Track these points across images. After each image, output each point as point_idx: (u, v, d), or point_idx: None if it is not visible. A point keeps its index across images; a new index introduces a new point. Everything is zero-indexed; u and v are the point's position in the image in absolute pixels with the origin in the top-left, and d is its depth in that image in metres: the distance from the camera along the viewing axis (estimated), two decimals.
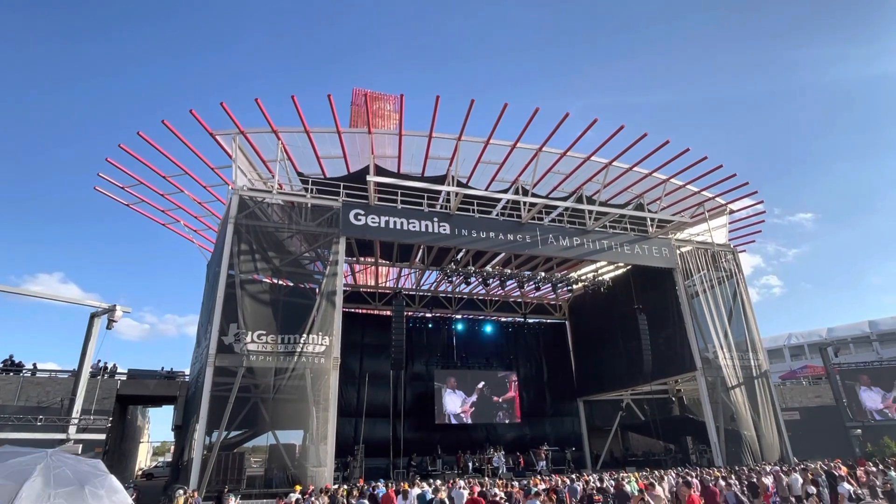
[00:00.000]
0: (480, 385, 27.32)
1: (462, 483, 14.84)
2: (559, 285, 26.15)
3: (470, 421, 26.64)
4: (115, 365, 21.52)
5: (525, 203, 21.27)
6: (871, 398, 27.33)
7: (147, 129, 17.10)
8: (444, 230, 20.04)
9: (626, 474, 16.83)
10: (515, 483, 15.72)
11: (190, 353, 21.75)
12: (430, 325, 30.49)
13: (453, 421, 26.18)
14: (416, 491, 13.22)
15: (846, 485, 11.94)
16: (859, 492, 12.06)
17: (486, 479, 19.15)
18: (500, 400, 27.68)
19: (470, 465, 22.95)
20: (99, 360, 20.24)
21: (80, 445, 15.76)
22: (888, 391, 27.22)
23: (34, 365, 19.85)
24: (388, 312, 28.16)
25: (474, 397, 26.96)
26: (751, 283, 23.95)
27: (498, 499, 11.47)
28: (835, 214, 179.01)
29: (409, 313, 29.47)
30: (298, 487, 13.80)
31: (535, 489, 12.37)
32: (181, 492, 12.70)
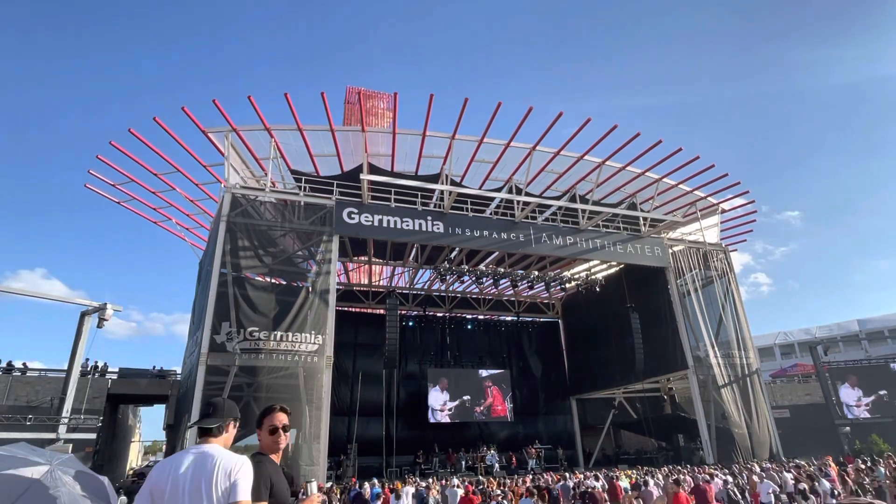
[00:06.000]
0: (466, 398, 27.27)
1: (456, 482, 14.86)
2: (552, 284, 26.22)
3: (448, 420, 26.66)
4: (105, 364, 21.39)
5: (518, 202, 21.30)
6: (848, 394, 28.37)
7: (138, 126, 16.97)
8: (438, 229, 20.03)
9: (617, 472, 16.92)
10: (508, 480, 15.78)
11: (178, 352, 21.65)
12: (423, 324, 30.43)
13: (432, 419, 26.22)
14: (409, 489, 13.24)
15: (826, 482, 12.06)
16: (839, 489, 12.19)
17: (480, 476, 19.21)
18: (481, 409, 27.66)
19: (463, 463, 23.00)
20: (87, 359, 20.09)
21: (71, 445, 15.63)
22: (867, 395, 27.99)
23: (24, 364, 19.67)
24: (382, 311, 28.10)
25: (455, 402, 26.95)
26: (740, 281, 24.44)
27: (495, 497, 11.49)
28: (821, 213, 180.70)
29: (403, 312, 29.44)
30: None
31: (528, 487, 12.41)
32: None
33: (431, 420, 26.33)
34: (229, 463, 2.43)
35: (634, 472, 17.45)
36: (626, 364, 24.70)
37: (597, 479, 14.54)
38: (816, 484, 11.83)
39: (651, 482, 12.69)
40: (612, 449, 30.21)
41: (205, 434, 2.62)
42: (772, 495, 11.11)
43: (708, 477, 12.99)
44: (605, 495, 11.94)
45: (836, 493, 11.74)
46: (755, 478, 12.70)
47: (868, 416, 27.43)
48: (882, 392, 28.00)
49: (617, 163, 21.28)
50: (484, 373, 28.64)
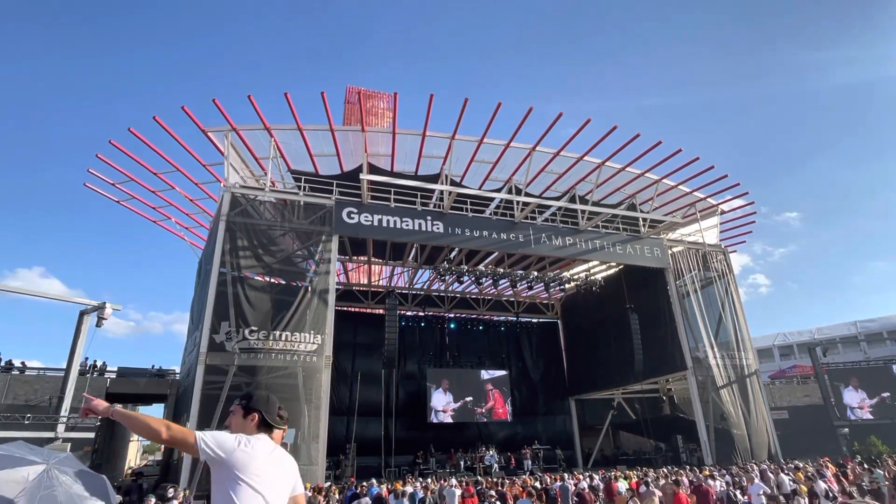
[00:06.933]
0: (468, 399, 27.22)
1: (454, 482, 14.86)
2: (552, 284, 26.22)
3: (451, 420, 26.64)
4: (104, 363, 21.37)
5: (518, 202, 21.30)
6: (851, 396, 28.29)
7: (138, 125, 16.98)
8: (438, 229, 20.03)
9: (617, 473, 16.92)
10: (506, 481, 15.78)
11: (177, 351, 21.68)
12: (422, 324, 30.43)
13: (434, 419, 26.19)
14: (408, 489, 13.24)
15: (822, 483, 12.06)
16: (835, 489, 12.18)
17: (479, 477, 19.21)
18: (483, 410, 27.56)
19: (462, 463, 22.99)
20: (87, 358, 20.08)
21: (69, 444, 15.62)
22: (871, 397, 27.95)
23: (23, 363, 19.65)
24: (381, 311, 28.09)
25: (458, 404, 26.91)
26: (739, 282, 24.46)
27: (488, 497, 11.49)
28: (820, 214, 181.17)
29: (402, 312, 29.43)
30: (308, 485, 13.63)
31: (528, 488, 12.41)
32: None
33: (434, 420, 26.24)
34: (292, 459, 2.72)
35: (634, 472, 17.45)
36: (625, 365, 24.70)
37: (591, 479, 14.52)
38: (814, 485, 11.83)
39: (652, 484, 12.69)
40: (611, 449, 30.20)
41: (270, 429, 2.73)
42: (762, 497, 11.09)
43: (703, 477, 13.00)
44: (593, 495, 11.91)
45: (832, 494, 11.74)
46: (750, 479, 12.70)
47: (871, 417, 27.42)
48: (885, 394, 27.98)
49: (617, 163, 21.29)
50: (485, 374, 28.55)
